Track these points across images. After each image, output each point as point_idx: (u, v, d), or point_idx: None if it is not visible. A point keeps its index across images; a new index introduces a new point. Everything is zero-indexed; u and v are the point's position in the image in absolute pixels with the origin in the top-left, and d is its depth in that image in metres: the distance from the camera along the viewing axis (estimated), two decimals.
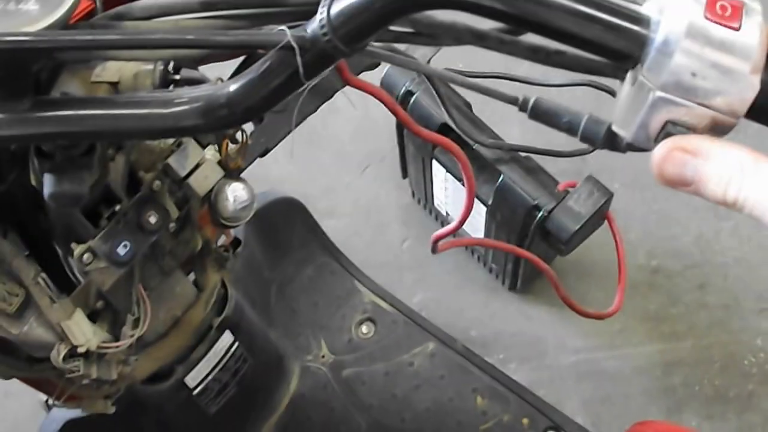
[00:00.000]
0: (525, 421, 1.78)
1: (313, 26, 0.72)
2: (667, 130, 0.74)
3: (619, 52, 0.74)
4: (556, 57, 0.77)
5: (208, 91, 0.80)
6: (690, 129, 0.74)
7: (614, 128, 0.80)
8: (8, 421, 2.14)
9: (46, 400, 1.43)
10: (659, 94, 0.72)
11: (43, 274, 1.11)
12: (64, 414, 1.57)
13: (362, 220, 2.38)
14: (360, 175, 2.45)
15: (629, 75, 0.77)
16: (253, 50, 0.77)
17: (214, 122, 0.80)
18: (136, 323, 1.19)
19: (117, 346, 1.16)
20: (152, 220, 1.08)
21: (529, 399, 1.81)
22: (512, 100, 0.89)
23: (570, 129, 0.86)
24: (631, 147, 0.81)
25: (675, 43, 0.71)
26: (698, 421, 2.10)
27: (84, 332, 1.12)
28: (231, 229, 1.33)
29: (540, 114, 0.88)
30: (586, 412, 2.09)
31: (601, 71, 0.79)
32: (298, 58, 0.73)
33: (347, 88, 1.00)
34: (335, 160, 2.48)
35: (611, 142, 0.83)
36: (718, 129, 0.75)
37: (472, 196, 1.42)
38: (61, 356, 1.11)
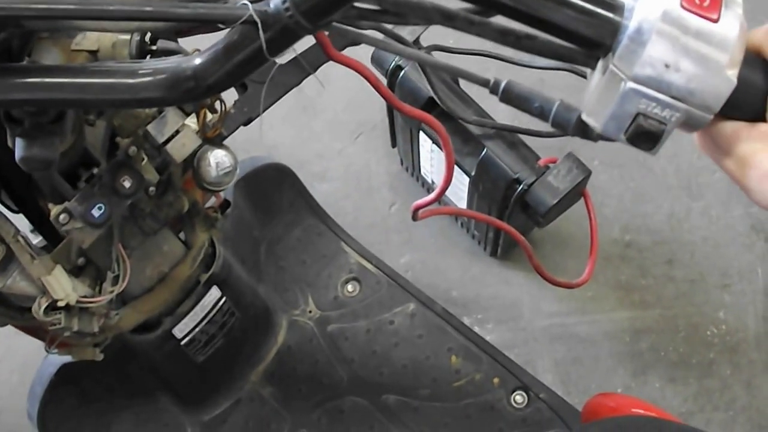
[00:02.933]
0: (496, 380, 1.73)
1: (275, 1, 0.65)
2: (637, 123, 0.67)
3: (589, 39, 0.67)
4: (526, 41, 0.69)
5: (173, 64, 0.73)
6: (661, 123, 0.67)
7: (584, 117, 0.72)
8: (19, 357, 2.10)
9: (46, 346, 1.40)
10: (631, 85, 0.65)
11: (23, 233, 1.06)
12: (60, 358, 1.53)
13: (353, 184, 2.31)
14: (352, 143, 2.38)
15: (600, 63, 0.69)
16: (214, 24, 0.69)
17: (179, 95, 0.74)
18: (116, 280, 1.14)
19: (96, 301, 1.11)
20: (126, 184, 1.03)
21: (500, 360, 1.76)
22: (483, 82, 0.81)
23: (541, 114, 0.78)
24: (603, 136, 0.74)
25: (648, 31, 0.63)
26: (661, 384, 2.05)
27: (64, 287, 1.07)
28: (215, 192, 1.28)
29: (511, 98, 0.80)
30: (557, 371, 2.04)
31: (573, 58, 0.71)
32: (261, 34, 0.66)
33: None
34: (329, 127, 2.41)
35: (582, 129, 0.75)
36: (690, 124, 0.68)
37: (450, 170, 1.36)
38: (42, 309, 1.07)
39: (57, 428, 1.58)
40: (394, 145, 2.24)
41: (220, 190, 1.19)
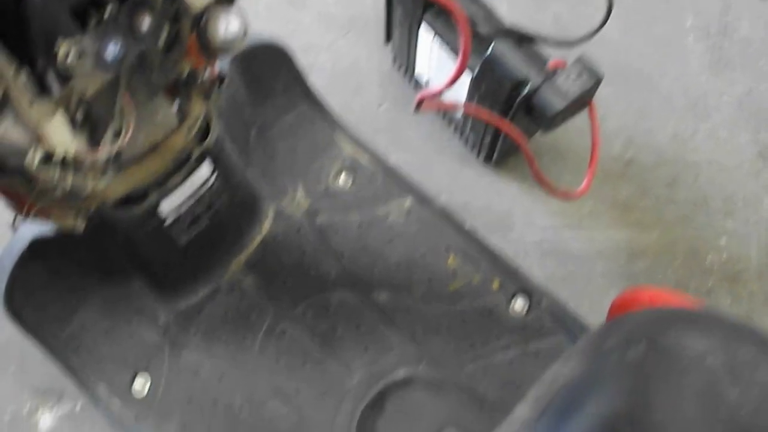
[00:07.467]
0: (495, 284, 1.73)
1: None
2: None
3: None
4: None
5: None
6: None
7: None
8: None
9: (14, 221, 1.35)
10: None
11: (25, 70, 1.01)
12: (32, 232, 1.49)
13: (341, 80, 2.27)
14: (342, 37, 2.34)
15: None
16: None
17: None
18: (116, 137, 1.11)
19: (96, 154, 1.07)
20: (146, 24, 0.98)
21: (501, 263, 1.77)
22: None
23: None
24: None
25: None
26: None
27: (63, 136, 1.03)
28: (218, 59, 1.25)
29: None
30: (546, 288, 2.03)
31: None
32: None
33: None
34: (318, 20, 2.36)
35: None
36: None
37: (466, 55, 1.34)
38: (36, 160, 1.03)
39: (24, 304, 1.54)
40: (388, 40, 2.21)
41: (226, 55, 1.16)
